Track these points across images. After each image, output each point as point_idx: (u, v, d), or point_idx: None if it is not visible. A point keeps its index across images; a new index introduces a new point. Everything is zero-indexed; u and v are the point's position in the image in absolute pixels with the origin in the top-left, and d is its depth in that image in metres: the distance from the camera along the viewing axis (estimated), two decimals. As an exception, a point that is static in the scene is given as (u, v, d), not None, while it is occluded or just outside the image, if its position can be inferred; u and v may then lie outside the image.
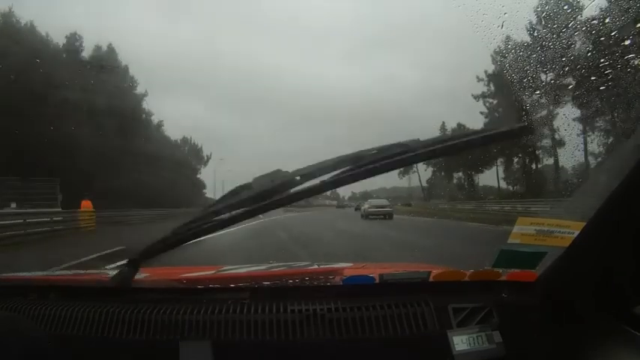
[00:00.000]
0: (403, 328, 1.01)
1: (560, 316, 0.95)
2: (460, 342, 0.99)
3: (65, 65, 26.20)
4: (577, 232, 0.90)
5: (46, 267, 5.25)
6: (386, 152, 1.00)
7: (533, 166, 39.12)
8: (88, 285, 1.30)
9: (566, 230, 0.97)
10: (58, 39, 29.38)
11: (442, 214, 25.95)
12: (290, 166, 1.04)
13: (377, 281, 1.09)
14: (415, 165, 56.12)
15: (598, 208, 0.77)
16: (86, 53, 31.09)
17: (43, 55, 25.06)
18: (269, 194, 1.01)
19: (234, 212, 1.04)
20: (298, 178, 1.01)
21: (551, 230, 1.01)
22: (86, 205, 16.57)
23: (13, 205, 15.93)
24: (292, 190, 1.02)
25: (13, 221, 12.23)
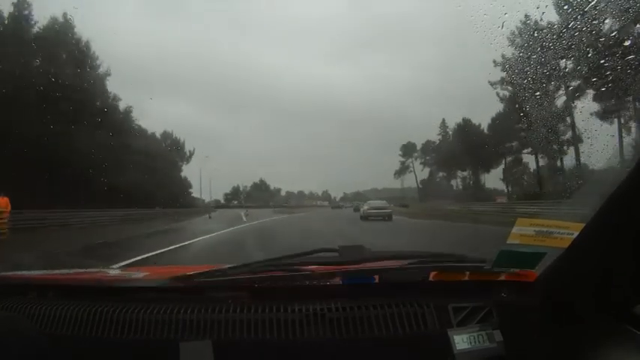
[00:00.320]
0: (404, 328, 1.01)
1: (560, 315, 0.95)
2: (461, 341, 1.00)
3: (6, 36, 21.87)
4: (576, 233, 0.90)
5: None
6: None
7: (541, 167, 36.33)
8: (88, 284, 1.30)
9: (566, 231, 0.98)
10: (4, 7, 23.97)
11: (452, 215, 24.28)
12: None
13: (377, 281, 1.09)
14: (412, 165, 53.07)
15: (598, 209, 0.78)
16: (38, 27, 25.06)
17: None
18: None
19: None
20: None
21: (550, 231, 1.01)
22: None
23: None
24: None
25: None
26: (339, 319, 1.02)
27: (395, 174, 56.20)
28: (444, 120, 51.11)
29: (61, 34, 25.11)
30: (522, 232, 1.05)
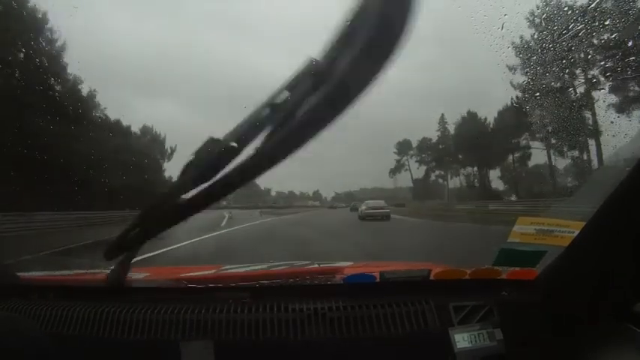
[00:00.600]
0: (404, 326, 1.01)
1: (561, 314, 0.95)
2: (461, 339, 1.00)
3: None
4: (577, 232, 0.91)
5: None
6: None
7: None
8: (89, 285, 1.30)
9: (566, 230, 0.98)
10: None
11: (464, 215, 21.05)
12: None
13: (378, 280, 1.09)
14: (407, 163, 51.09)
15: (598, 208, 0.78)
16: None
17: None
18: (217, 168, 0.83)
19: (192, 196, 0.88)
20: (234, 144, 0.80)
21: (551, 229, 1.01)
22: None
23: None
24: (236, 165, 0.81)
25: None
26: (340, 318, 1.03)
27: (390, 172, 54.43)
28: (442, 115, 48.94)
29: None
30: (523, 231, 1.06)
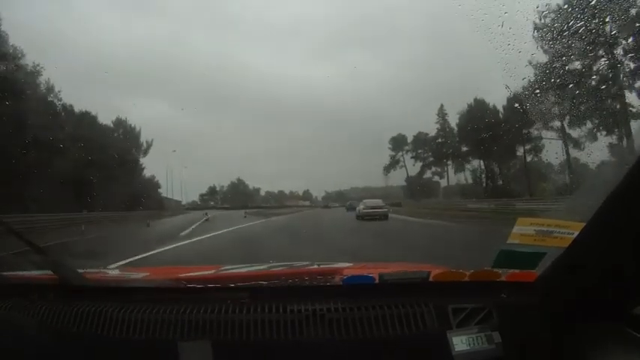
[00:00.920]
0: (403, 329, 1.01)
1: (560, 316, 0.95)
2: (460, 342, 0.99)
3: None
4: (576, 233, 0.90)
5: None
6: None
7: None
8: (88, 284, 1.30)
9: (566, 231, 0.97)
10: None
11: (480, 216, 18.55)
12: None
13: (377, 281, 1.09)
14: (402, 159, 48.33)
15: (597, 209, 0.77)
16: None
17: None
18: None
19: None
20: None
21: (550, 231, 1.01)
22: None
23: None
24: None
25: None
26: (339, 319, 1.02)
27: (384, 169, 50.93)
28: (442, 106, 44.97)
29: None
30: (522, 232, 1.05)
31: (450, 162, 44.89)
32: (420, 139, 49.10)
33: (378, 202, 22.64)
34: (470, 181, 41.07)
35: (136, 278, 1.38)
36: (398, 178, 51.40)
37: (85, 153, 21.23)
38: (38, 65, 22.16)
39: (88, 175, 20.36)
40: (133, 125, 35.24)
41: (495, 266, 1.07)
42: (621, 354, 0.83)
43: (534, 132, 30.18)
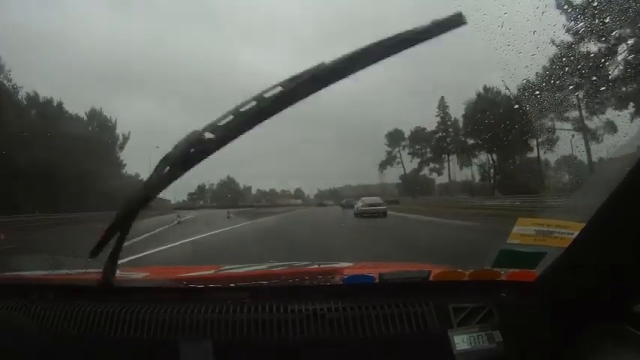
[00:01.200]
0: (404, 328, 1.01)
1: (560, 315, 0.95)
2: (461, 341, 1.00)
3: None
4: (577, 233, 0.90)
5: None
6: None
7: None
8: (88, 284, 1.30)
9: (566, 231, 0.98)
10: None
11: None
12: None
13: (377, 281, 1.09)
14: (399, 155, 45.77)
15: (597, 209, 0.77)
16: None
17: None
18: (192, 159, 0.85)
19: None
20: (211, 136, 0.82)
21: (550, 231, 1.01)
22: None
23: None
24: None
25: None
26: (339, 319, 1.02)
27: (380, 166, 48.58)
28: (442, 98, 42.55)
29: None
30: (523, 232, 1.05)
31: (450, 157, 42.64)
32: (418, 135, 46.96)
33: (377, 199, 22.53)
34: (475, 176, 38.19)
35: (137, 278, 1.39)
36: (392, 175, 49.97)
37: (48, 145, 18.32)
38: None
39: (52, 170, 17.48)
40: (108, 117, 31.86)
41: (496, 266, 1.07)
42: (621, 353, 0.83)
43: (548, 123, 24.88)
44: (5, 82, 22.24)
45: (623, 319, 0.87)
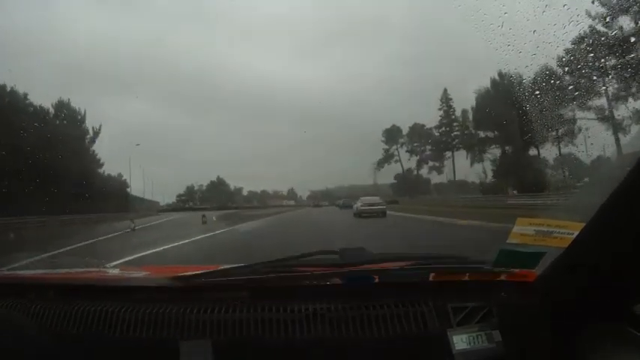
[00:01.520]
0: (403, 328, 1.01)
1: (560, 315, 0.95)
2: (460, 341, 1.00)
3: None
4: (576, 233, 0.90)
5: None
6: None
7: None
8: (88, 284, 1.30)
9: (566, 231, 0.98)
10: None
11: None
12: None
13: (377, 281, 1.09)
14: (397, 153, 44.14)
15: (598, 209, 0.77)
16: None
17: None
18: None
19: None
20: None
21: (550, 231, 1.01)
22: None
23: None
24: None
25: None
26: (339, 319, 1.02)
27: (377, 164, 47.38)
28: (445, 90, 40.32)
29: None
30: (522, 232, 1.05)
31: (454, 153, 40.04)
32: (416, 131, 44.61)
33: (376, 199, 22.51)
34: (487, 173, 34.73)
35: (136, 277, 1.39)
36: (386, 175, 48.75)
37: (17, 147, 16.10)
38: None
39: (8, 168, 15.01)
40: (77, 108, 28.68)
41: (495, 265, 1.07)
42: (621, 353, 0.83)
43: (568, 113, 23.77)
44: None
45: (623, 319, 0.87)
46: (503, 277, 1.07)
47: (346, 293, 1.09)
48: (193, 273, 1.32)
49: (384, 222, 16.22)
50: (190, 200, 58.53)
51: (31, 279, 1.42)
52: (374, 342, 1.01)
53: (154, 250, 8.63)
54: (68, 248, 8.81)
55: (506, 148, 30.92)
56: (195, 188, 59.99)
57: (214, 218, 19.63)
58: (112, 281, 1.37)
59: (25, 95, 24.48)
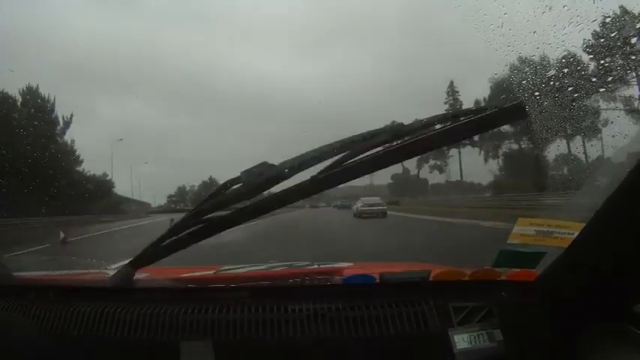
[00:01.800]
0: (404, 327, 1.01)
1: (560, 315, 0.95)
2: (461, 340, 1.00)
3: None
4: (577, 233, 0.90)
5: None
6: (381, 138, 0.93)
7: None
8: (88, 285, 1.30)
9: (566, 231, 0.98)
10: None
11: None
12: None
13: (377, 280, 1.09)
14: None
15: (598, 209, 0.78)
16: None
17: None
18: (259, 190, 0.94)
19: (227, 212, 0.99)
20: (287, 170, 0.93)
21: (550, 231, 1.01)
22: None
23: None
24: (281, 190, 0.95)
25: None
26: (340, 319, 1.02)
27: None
28: (452, 82, 39.56)
29: None
30: (523, 232, 1.06)
31: (452, 152, 38.23)
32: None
33: (376, 199, 22.42)
34: (502, 170, 32.12)
35: (136, 278, 1.38)
36: (382, 176, 47.94)
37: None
38: None
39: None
40: (45, 96, 25.81)
41: (496, 265, 1.07)
42: (622, 353, 0.83)
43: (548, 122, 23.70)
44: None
45: (623, 319, 0.87)
46: (503, 277, 1.08)
47: (346, 293, 1.09)
48: (193, 274, 1.32)
49: (401, 225, 14.85)
50: (181, 201, 57.27)
51: (30, 280, 1.42)
52: (374, 342, 1.01)
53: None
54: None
55: (522, 143, 28.77)
56: (187, 189, 59.00)
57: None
58: (112, 282, 1.36)
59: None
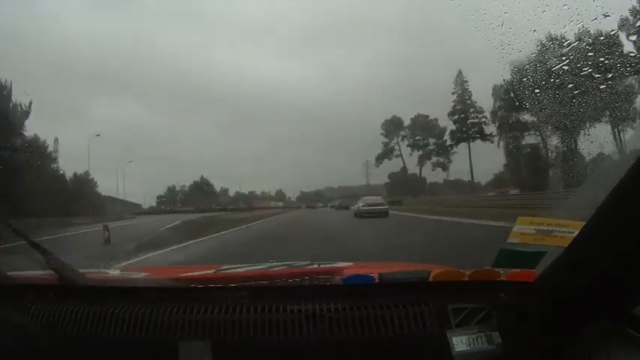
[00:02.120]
0: (403, 328, 1.01)
1: (560, 316, 0.95)
2: (459, 342, 0.99)
3: None
4: (577, 232, 0.90)
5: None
6: None
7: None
8: (87, 285, 1.30)
9: (566, 230, 0.97)
10: None
11: None
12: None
13: (377, 281, 1.09)
14: (399, 147, 40.62)
15: (598, 208, 0.77)
16: None
17: None
18: None
19: None
20: None
21: (550, 230, 1.01)
22: None
23: None
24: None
25: None
26: (339, 319, 1.02)
27: (376, 159, 44.07)
28: (460, 72, 36.62)
29: None
30: (523, 231, 1.05)
31: (456, 149, 36.15)
32: (419, 123, 39.94)
33: (378, 199, 22.34)
34: (523, 165, 30.05)
35: (137, 278, 1.38)
36: (379, 176, 46.74)
37: None
38: None
39: None
40: (2, 81, 22.88)
41: (495, 266, 1.07)
42: (621, 354, 0.83)
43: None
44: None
45: (623, 320, 0.87)
46: (503, 278, 1.07)
47: (346, 293, 1.09)
48: (193, 274, 1.32)
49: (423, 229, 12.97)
50: (171, 202, 55.53)
51: (30, 279, 1.41)
52: (374, 342, 1.00)
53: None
54: None
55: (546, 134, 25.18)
56: (177, 189, 57.47)
57: (163, 229, 13.14)
58: (112, 282, 1.36)
59: None
